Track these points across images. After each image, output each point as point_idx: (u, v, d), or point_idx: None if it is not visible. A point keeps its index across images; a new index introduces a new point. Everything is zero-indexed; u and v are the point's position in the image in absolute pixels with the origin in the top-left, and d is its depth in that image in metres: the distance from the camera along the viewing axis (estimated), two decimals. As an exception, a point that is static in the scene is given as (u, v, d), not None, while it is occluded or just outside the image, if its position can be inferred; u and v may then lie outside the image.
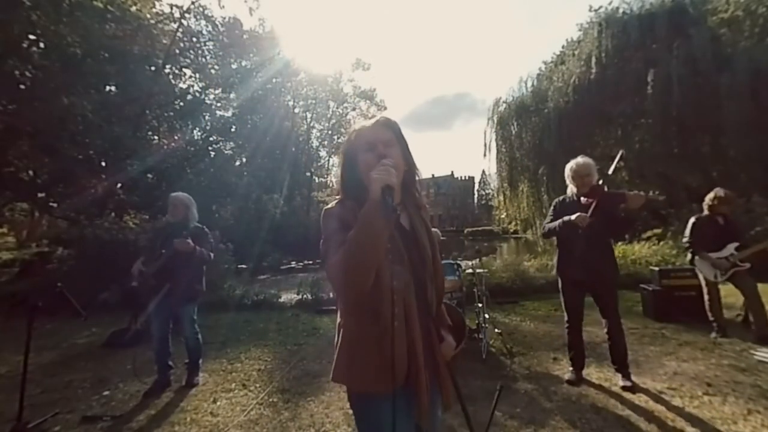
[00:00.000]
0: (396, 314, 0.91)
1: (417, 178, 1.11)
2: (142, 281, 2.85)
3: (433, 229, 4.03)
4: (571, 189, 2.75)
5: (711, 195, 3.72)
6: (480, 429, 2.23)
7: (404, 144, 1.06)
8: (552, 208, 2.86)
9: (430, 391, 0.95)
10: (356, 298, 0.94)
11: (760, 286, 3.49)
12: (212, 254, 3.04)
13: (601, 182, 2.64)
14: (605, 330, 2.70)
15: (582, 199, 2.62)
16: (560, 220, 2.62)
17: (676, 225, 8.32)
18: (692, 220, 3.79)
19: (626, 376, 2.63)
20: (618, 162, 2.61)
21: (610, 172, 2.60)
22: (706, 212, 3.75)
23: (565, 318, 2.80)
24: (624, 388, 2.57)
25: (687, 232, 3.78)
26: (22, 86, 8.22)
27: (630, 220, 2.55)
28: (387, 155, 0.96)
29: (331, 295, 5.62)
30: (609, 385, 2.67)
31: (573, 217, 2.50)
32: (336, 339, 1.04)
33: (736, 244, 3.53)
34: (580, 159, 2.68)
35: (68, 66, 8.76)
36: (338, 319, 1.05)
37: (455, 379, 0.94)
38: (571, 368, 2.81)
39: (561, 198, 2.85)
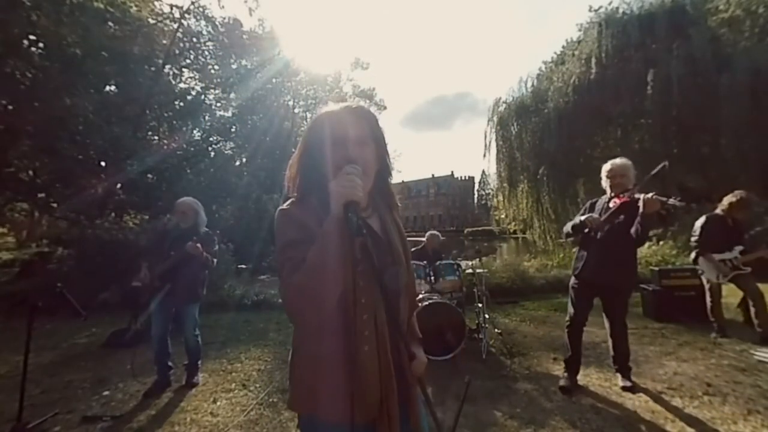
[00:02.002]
0: (366, 337, 0.80)
1: (390, 176, 0.97)
2: (147, 282, 2.87)
3: (433, 232, 4.01)
4: (608, 192, 2.72)
5: (730, 198, 3.60)
6: (481, 427, 2.23)
7: (379, 138, 0.90)
8: (583, 208, 2.85)
9: (401, 420, 0.83)
10: (314, 325, 0.82)
11: (761, 286, 3.49)
12: (215, 260, 3.06)
13: (634, 186, 2.57)
14: (608, 333, 2.68)
15: (612, 202, 2.59)
16: (577, 220, 2.64)
17: (676, 225, 8.32)
18: (702, 219, 3.74)
19: (626, 377, 2.62)
20: (657, 172, 2.47)
21: (646, 178, 2.51)
22: (718, 212, 3.68)
23: (567, 318, 2.75)
24: (624, 388, 2.56)
25: (696, 231, 3.73)
26: (22, 86, 8.21)
27: (646, 225, 2.45)
28: (357, 157, 0.82)
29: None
30: (609, 385, 2.67)
31: (583, 217, 2.49)
32: (291, 359, 0.91)
33: (741, 248, 3.50)
34: (618, 160, 2.66)
35: (68, 66, 8.75)
36: (294, 336, 0.91)
37: (426, 390, 0.88)
38: (565, 373, 2.75)
39: (594, 200, 2.84)
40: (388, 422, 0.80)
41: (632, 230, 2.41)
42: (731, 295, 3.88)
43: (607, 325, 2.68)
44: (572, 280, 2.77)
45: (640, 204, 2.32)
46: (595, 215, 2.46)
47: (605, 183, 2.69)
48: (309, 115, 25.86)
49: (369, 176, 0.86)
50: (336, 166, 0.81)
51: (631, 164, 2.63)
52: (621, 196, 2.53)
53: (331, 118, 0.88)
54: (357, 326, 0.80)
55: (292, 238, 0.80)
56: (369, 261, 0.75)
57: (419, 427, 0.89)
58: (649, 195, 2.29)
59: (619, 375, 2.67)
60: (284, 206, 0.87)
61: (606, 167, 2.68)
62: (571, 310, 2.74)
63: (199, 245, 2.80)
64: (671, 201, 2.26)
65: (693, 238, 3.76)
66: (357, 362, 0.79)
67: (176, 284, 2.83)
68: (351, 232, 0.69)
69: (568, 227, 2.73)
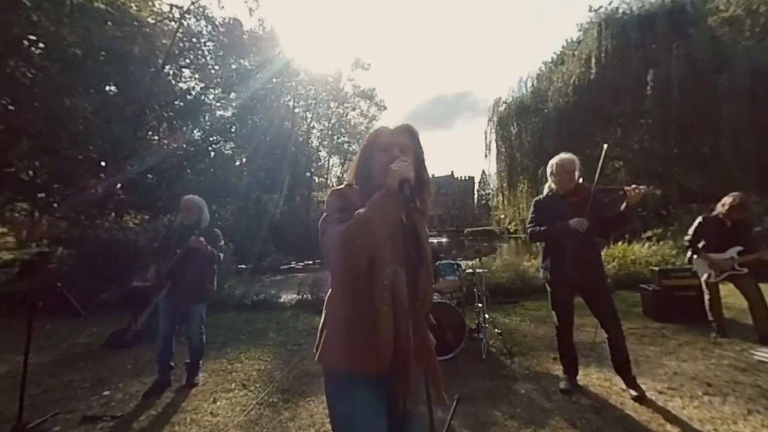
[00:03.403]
0: (385, 299, 0.95)
1: (426, 189, 1.13)
2: (156, 281, 2.89)
3: (435, 237, 3.94)
4: (551, 186, 2.67)
5: (727, 200, 3.59)
6: (481, 427, 2.22)
7: (420, 154, 1.10)
8: (534, 208, 2.74)
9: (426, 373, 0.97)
10: (348, 276, 0.97)
11: (761, 286, 3.49)
12: (222, 255, 3.10)
13: (581, 180, 2.56)
14: (605, 336, 2.54)
15: (569, 196, 2.53)
16: (557, 225, 2.50)
17: (676, 225, 8.32)
18: (699, 219, 3.75)
19: (632, 385, 2.45)
20: (604, 157, 2.50)
21: (597, 171, 2.47)
22: (715, 213, 3.67)
23: (556, 323, 2.69)
24: (635, 398, 2.39)
25: (690, 230, 3.75)
26: (22, 86, 8.21)
27: (628, 218, 2.42)
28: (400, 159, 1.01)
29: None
30: (609, 385, 2.67)
31: (571, 222, 2.40)
32: (322, 320, 1.07)
33: (739, 248, 3.49)
34: (564, 155, 2.61)
35: (68, 66, 8.75)
36: (326, 301, 1.08)
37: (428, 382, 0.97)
38: (564, 375, 2.72)
39: (541, 197, 2.75)
40: (405, 376, 0.92)
41: (611, 222, 2.44)
42: (731, 295, 3.88)
43: (601, 326, 2.55)
44: (548, 285, 2.69)
45: (628, 196, 2.31)
46: (582, 219, 2.36)
47: (552, 177, 2.64)
48: (309, 115, 25.90)
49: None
50: (383, 166, 0.98)
51: (577, 158, 2.59)
52: (582, 190, 2.48)
53: (383, 130, 1.12)
54: (377, 290, 0.94)
55: (340, 207, 0.99)
56: (395, 239, 0.95)
57: (441, 394, 1.00)
58: (633, 187, 2.30)
59: (625, 385, 2.49)
60: (337, 187, 1.08)
61: (556, 162, 2.60)
62: (556, 317, 2.67)
63: (202, 238, 2.83)
64: (646, 189, 2.30)
65: (686, 238, 3.80)
66: (377, 320, 0.93)
67: (183, 283, 2.84)
68: (404, 200, 0.88)
69: (544, 230, 2.59)
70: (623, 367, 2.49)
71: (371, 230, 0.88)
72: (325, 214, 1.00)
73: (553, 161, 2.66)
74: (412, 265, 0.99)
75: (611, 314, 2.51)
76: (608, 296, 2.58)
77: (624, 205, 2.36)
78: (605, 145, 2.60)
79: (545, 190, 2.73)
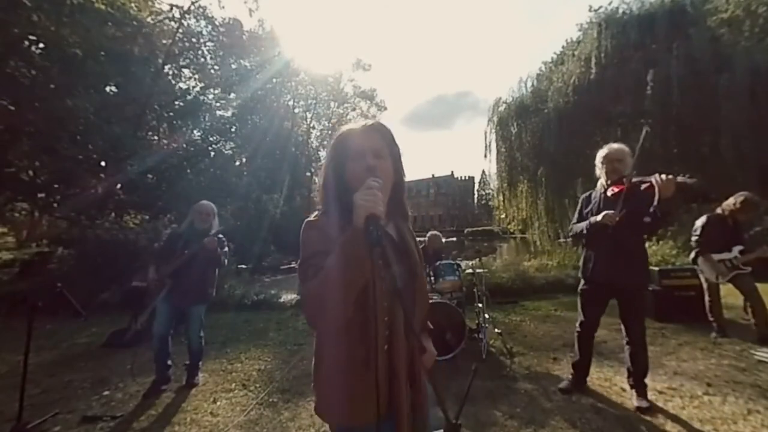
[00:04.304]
0: (386, 337, 0.87)
1: (405, 189, 1.03)
2: (157, 282, 2.89)
3: (434, 233, 3.99)
4: (601, 182, 2.49)
5: (737, 199, 3.58)
6: (481, 427, 2.22)
7: (395, 152, 0.97)
8: (579, 205, 2.64)
9: (412, 412, 0.91)
10: (329, 329, 0.88)
11: (759, 286, 3.50)
12: (226, 260, 3.15)
13: (636, 174, 2.30)
14: (625, 340, 2.43)
15: (609, 190, 2.37)
16: (586, 223, 2.39)
17: (676, 225, 8.32)
18: (703, 219, 3.74)
19: (642, 395, 2.36)
20: (644, 140, 2.23)
21: (636, 151, 2.30)
22: (719, 212, 3.68)
23: (578, 322, 2.59)
24: (639, 409, 2.29)
25: (697, 231, 3.72)
26: (22, 86, 8.21)
27: (660, 214, 2.12)
28: (376, 167, 0.88)
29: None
30: (609, 385, 2.67)
31: (599, 217, 2.23)
32: (314, 367, 0.96)
33: (740, 247, 3.51)
34: (614, 144, 2.45)
35: (69, 67, 8.75)
36: (316, 343, 0.96)
37: (436, 384, 0.90)
38: (571, 374, 2.67)
39: (587, 194, 2.62)
40: (398, 416, 0.86)
41: (646, 218, 2.13)
42: (731, 294, 3.88)
43: (624, 331, 2.43)
44: (581, 283, 2.56)
45: (656, 188, 2.03)
46: (610, 211, 2.20)
47: (600, 170, 2.48)
48: (309, 115, 25.91)
49: (386, 187, 0.91)
50: (358, 176, 0.86)
51: (629, 150, 2.40)
52: (621, 183, 2.28)
53: (351, 134, 0.95)
54: (378, 328, 0.84)
55: (315, 250, 0.85)
56: (388, 267, 0.79)
57: (425, 419, 0.94)
58: (664, 176, 2.01)
59: (634, 393, 2.40)
60: (310, 218, 0.93)
61: (602, 152, 2.45)
62: (581, 315, 2.56)
63: (216, 239, 2.88)
64: (680, 178, 2.02)
65: (694, 238, 3.77)
66: (378, 362, 0.83)
67: (186, 283, 2.85)
68: (371, 243, 0.72)
69: (578, 229, 2.49)
70: (638, 379, 2.40)
71: (341, 285, 0.76)
72: (300, 258, 0.88)
73: (600, 152, 2.48)
74: (406, 285, 0.92)
75: (638, 324, 2.38)
76: (641, 306, 2.40)
77: (656, 199, 2.06)
78: (646, 128, 2.31)
79: (598, 185, 2.54)
